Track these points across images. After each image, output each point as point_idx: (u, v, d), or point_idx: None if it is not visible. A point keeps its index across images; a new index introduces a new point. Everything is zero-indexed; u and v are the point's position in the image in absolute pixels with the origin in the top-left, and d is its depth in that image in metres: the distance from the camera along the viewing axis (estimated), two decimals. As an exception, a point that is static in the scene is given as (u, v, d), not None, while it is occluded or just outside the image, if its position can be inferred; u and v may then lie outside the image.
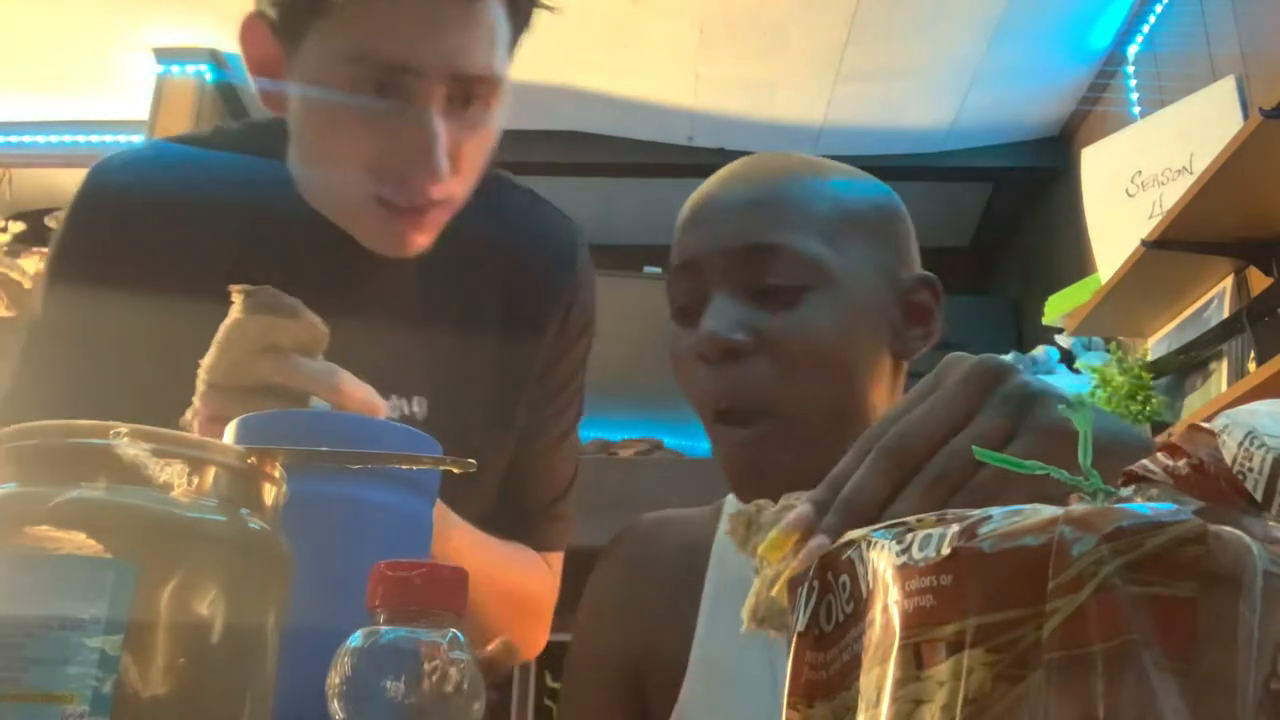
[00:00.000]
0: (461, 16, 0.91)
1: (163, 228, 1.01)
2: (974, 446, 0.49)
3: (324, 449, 0.63)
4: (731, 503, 0.96)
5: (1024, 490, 0.45)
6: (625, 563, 0.97)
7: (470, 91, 0.93)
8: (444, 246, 1.01)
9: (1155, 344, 2.72)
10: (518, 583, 1.06)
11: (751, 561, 0.56)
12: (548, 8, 1.00)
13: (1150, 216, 2.62)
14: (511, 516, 1.07)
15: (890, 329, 0.87)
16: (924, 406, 0.55)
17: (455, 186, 0.95)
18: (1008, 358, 0.60)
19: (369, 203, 0.95)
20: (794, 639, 0.40)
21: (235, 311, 0.77)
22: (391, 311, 1.01)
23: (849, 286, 0.85)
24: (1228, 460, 0.38)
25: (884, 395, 0.87)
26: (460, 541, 0.91)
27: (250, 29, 0.97)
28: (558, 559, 1.14)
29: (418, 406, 1.03)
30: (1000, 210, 4.15)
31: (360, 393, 0.76)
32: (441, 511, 0.87)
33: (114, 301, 0.99)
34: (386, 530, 0.68)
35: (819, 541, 0.51)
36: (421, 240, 0.97)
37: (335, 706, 0.46)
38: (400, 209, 0.94)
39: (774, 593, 0.52)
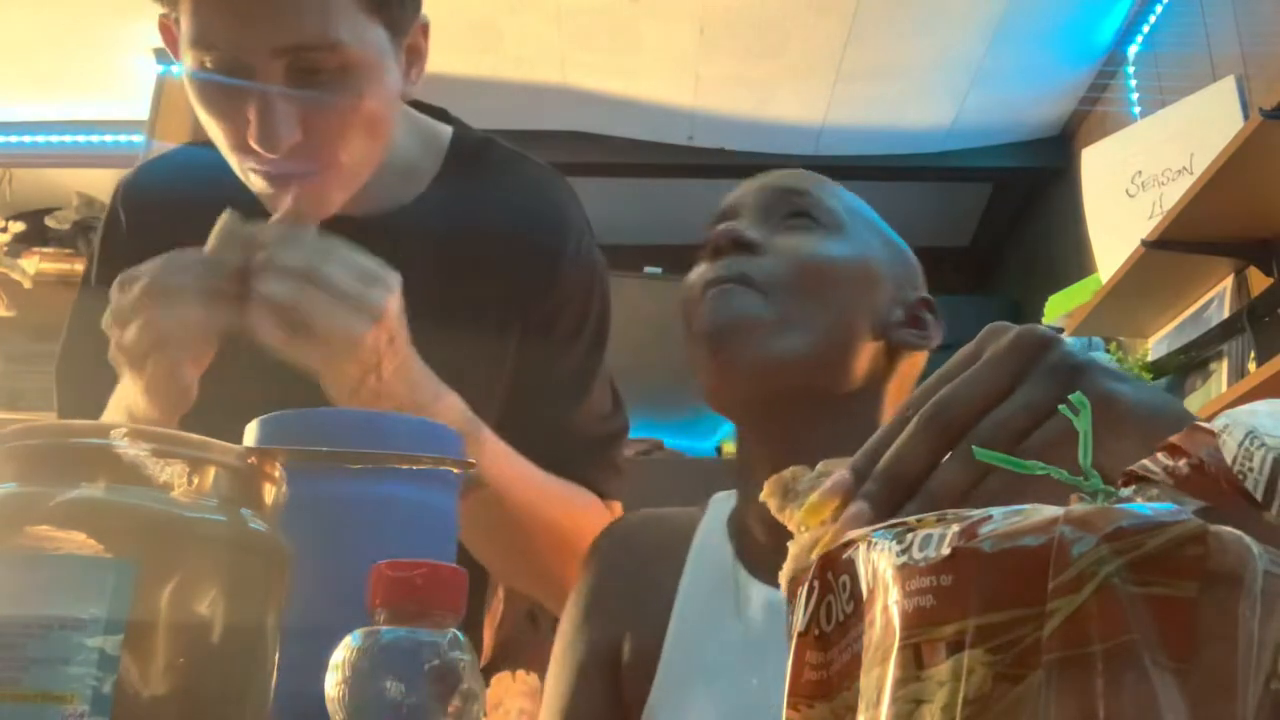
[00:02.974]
0: None
1: (179, 227, 1.06)
2: (973, 446, 0.49)
3: (324, 449, 0.64)
4: (718, 500, 0.98)
5: (1071, 462, 0.44)
6: (606, 555, 0.98)
7: (312, 61, 0.94)
8: (423, 210, 1.09)
9: (1155, 344, 2.72)
10: (563, 516, 1.07)
11: (782, 542, 0.55)
12: None
13: (1150, 216, 2.62)
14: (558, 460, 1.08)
15: (884, 314, 0.93)
16: (967, 375, 0.54)
17: (321, 154, 0.98)
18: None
19: (253, 176, 0.99)
20: (794, 639, 0.40)
21: None
22: None
23: (861, 248, 0.93)
24: (1228, 460, 0.38)
25: (864, 367, 0.92)
26: (495, 449, 0.97)
27: (161, 27, 1.03)
28: (618, 508, 1.15)
29: None
30: (1000, 210, 4.15)
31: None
32: (468, 417, 0.95)
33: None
34: (407, 525, 0.68)
35: (858, 508, 0.51)
36: (308, 209, 1.00)
37: (335, 707, 0.46)
38: (269, 176, 0.98)
39: (812, 557, 0.49)
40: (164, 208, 1.11)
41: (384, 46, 0.98)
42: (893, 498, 0.51)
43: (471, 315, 1.08)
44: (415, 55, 1.04)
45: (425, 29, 1.04)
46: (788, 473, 0.57)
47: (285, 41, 0.92)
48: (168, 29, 1.01)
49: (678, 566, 0.93)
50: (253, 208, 1.01)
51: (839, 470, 0.54)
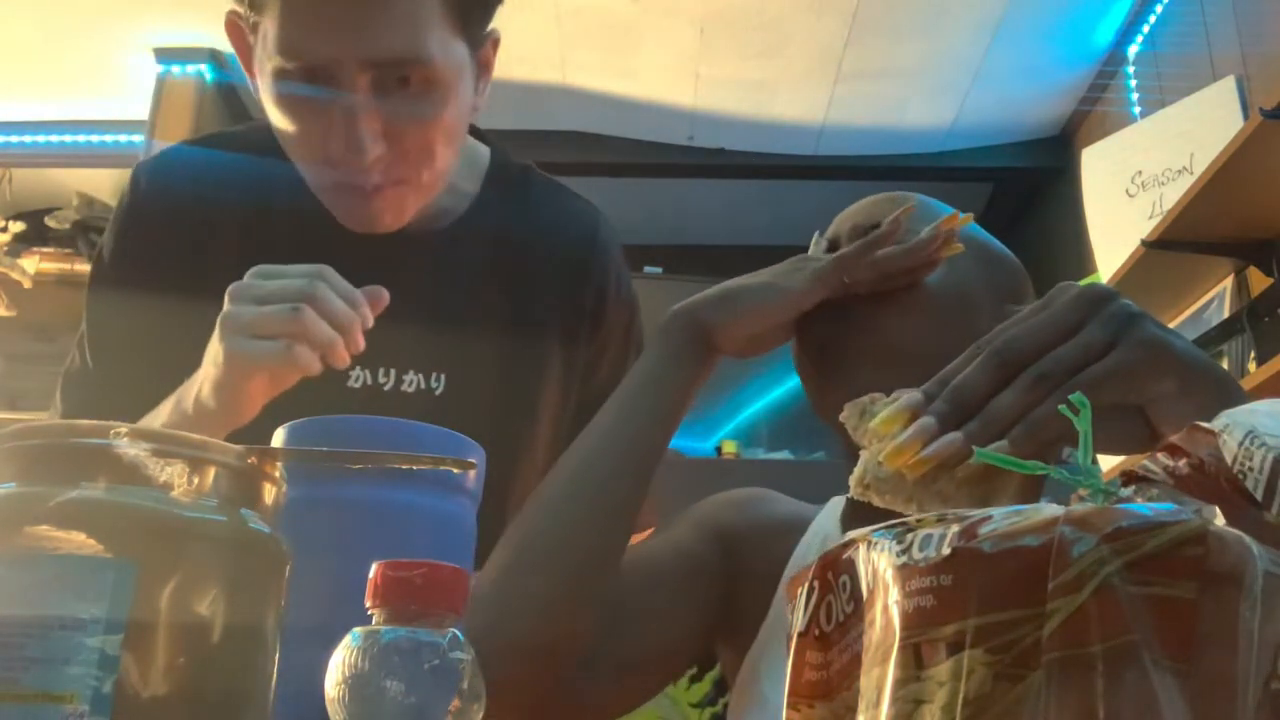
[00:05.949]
0: (373, 3, 0.92)
1: (194, 230, 1.06)
2: (976, 448, 0.51)
3: (324, 449, 0.63)
4: (835, 502, 0.98)
5: (1109, 400, 0.55)
6: (739, 507, 0.98)
7: (399, 74, 0.94)
8: (463, 231, 1.08)
9: (1155, 344, 2.71)
10: None
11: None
12: None
13: (1150, 216, 2.62)
14: None
15: (986, 331, 0.97)
16: (1032, 320, 0.62)
17: (405, 166, 0.98)
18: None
19: (329, 187, 0.99)
20: (794, 639, 0.40)
21: None
22: (410, 291, 1.03)
23: (952, 273, 0.96)
24: (1228, 460, 0.38)
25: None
26: None
27: (229, 26, 1.01)
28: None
29: (435, 382, 1.06)
30: (1000, 210, 4.15)
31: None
32: None
33: (156, 305, 1.04)
34: (408, 526, 0.68)
35: (927, 420, 0.58)
36: (387, 219, 1.00)
37: (335, 707, 0.46)
38: (354, 187, 0.97)
39: (882, 458, 0.59)
40: (192, 198, 1.09)
41: (464, 62, 0.98)
42: (956, 415, 0.59)
43: (516, 337, 1.09)
44: (485, 69, 1.04)
45: (496, 42, 1.04)
46: (866, 398, 0.63)
47: (376, 54, 0.92)
48: (236, 28, 1.00)
49: (789, 545, 0.94)
50: (289, 209, 1.02)
51: (912, 391, 0.61)
